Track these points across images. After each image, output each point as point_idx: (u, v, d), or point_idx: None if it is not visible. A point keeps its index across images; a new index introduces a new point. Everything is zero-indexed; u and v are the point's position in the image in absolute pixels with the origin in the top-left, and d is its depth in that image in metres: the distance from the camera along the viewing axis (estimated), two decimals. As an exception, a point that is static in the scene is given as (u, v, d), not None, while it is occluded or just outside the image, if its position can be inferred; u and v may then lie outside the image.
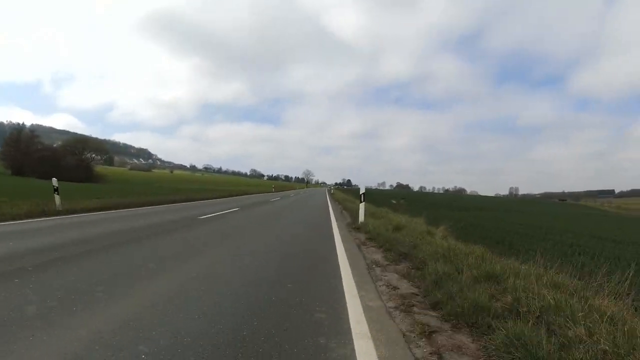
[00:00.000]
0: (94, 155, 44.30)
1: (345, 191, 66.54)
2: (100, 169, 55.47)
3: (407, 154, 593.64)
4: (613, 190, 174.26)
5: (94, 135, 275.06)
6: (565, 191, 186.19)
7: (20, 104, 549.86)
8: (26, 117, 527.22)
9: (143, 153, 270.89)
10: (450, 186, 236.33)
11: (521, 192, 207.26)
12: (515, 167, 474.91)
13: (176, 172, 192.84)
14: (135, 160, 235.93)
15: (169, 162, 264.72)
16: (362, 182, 15.12)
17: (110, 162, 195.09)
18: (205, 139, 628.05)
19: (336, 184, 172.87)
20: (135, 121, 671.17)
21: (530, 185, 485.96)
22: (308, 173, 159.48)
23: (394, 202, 35.61)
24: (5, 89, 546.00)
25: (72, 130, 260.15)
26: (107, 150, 49.81)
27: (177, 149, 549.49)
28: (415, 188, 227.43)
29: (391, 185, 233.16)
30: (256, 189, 42.62)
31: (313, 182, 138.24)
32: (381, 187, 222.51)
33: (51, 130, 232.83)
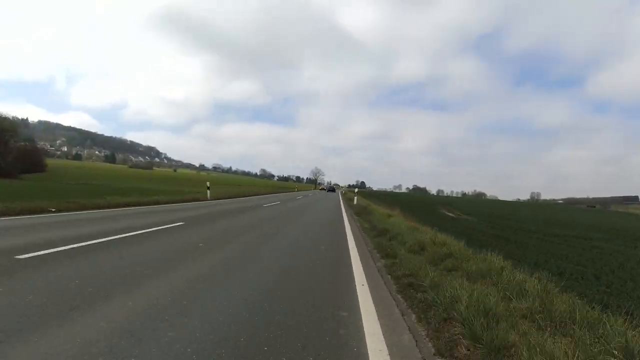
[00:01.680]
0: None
1: (365, 195, 53.04)
2: (50, 161, 43.97)
3: (420, 156, 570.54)
4: (637, 197, 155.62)
5: (100, 132, 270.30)
6: (589, 197, 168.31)
7: (34, 102, 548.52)
8: (40, 115, 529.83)
9: (150, 151, 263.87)
10: (468, 189, 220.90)
11: (542, 197, 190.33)
12: (530, 170, 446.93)
13: (181, 170, 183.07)
14: (141, 159, 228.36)
15: (179, 161, 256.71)
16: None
17: (112, 159, 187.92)
18: (217, 138, 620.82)
19: (349, 185, 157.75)
20: (148, 120, 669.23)
21: (548, 189, 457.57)
22: (317, 172, 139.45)
23: (451, 215, 21.81)
24: (18, 87, 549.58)
25: (80, 127, 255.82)
26: (17, 131, 37.71)
27: (189, 148, 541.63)
28: (432, 191, 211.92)
29: (408, 188, 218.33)
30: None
31: (324, 183, 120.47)
32: (397, 190, 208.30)
33: (58, 127, 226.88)
